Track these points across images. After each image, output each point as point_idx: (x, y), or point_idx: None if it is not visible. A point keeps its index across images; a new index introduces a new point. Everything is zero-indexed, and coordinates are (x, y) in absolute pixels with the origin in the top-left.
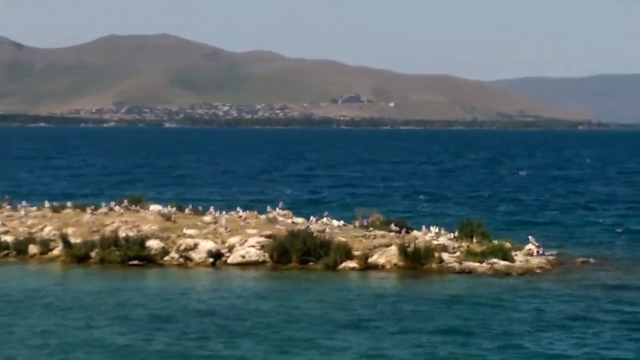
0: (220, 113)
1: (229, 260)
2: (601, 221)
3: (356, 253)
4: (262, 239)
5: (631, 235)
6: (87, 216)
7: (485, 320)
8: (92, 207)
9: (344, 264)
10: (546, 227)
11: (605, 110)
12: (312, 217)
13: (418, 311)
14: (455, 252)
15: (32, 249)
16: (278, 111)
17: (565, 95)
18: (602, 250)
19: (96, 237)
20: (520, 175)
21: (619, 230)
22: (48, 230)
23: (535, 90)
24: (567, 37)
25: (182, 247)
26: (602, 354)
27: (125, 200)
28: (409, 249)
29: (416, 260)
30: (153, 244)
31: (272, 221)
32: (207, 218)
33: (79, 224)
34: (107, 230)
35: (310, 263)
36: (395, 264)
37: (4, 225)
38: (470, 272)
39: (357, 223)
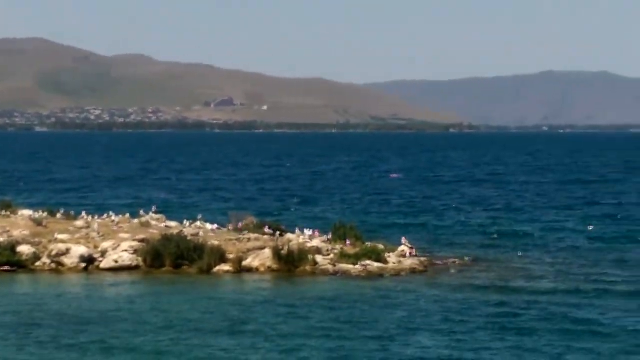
0: (92, 117)
1: (102, 265)
2: (472, 222)
3: (230, 256)
4: (135, 244)
5: (502, 237)
6: None
7: (358, 322)
8: None
9: (218, 268)
10: (419, 229)
11: (477, 113)
12: (185, 221)
13: (292, 313)
14: (329, 255)
15: None
16: (151, 115)
17: (438, 98)
18: (474, 251)
19: None
20: (391, 178)
21: (492, 232)
22: None
23: (408, 94)
24: (437, 40)
25: (53, 253)
26: (470, 356)
27: None
28: (282, 251)
29: (290, 263)
30: (24, 249)
31: (145, 225)
32: (79, 223)
33: None
34: None
35: (184, 267)
36: (269, 267)
37: None
38: (344, 274)
39: (230, 226)
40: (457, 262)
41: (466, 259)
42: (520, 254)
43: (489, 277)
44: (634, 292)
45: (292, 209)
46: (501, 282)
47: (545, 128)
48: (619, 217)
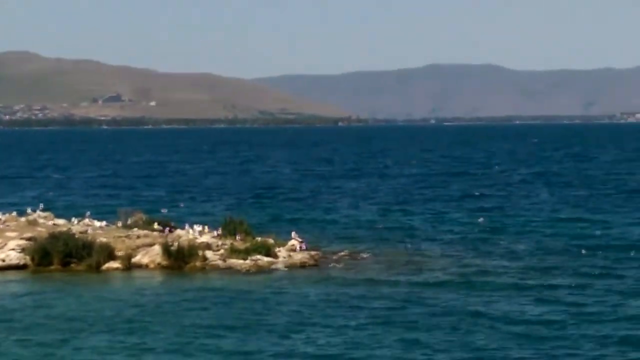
0: None
1: None
2: (362, 216)
3: (119, 253)
4: (22, 242)
5: (392, 230)
6: None
7: (249, 317)
8: None
9: (107, 265)
10: (308, 223)
11: (365, 107)
12: (73, 219)
13: (182, 310)
14: (219, 250)
15: None
16: (37, 112)
17: (326, 92)
18: (364, 244)
19: None
20: (282, 173)
21: (381, 225)
22: None
23: (296, 88)
24: (324, 34)
25: None
26: (359, 351)
27: None
28: (172, 248)
29: (180, 259)
30: None
31: (33, 223)
32: None
33: None
34: None
35: (73, 265)
36: (159, 264)
37: None
38: (234, 269)
39: (119, 223)
40: (347, 256)
41: (358, 253)
42: (409, 246)
43: (379, 270)
44: (521, 283)
45: (182, 205)
46: (390, 275)
47: (432, 120)
48: (506, 208)
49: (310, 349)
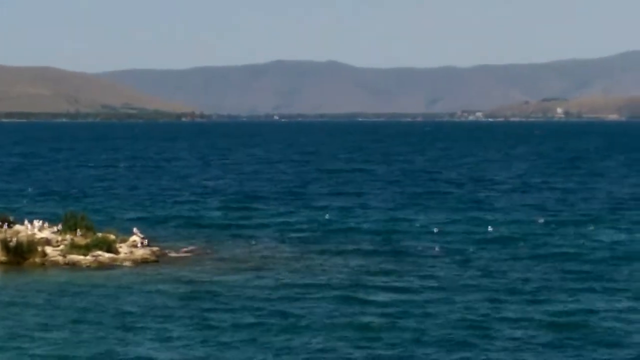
0: None
1: None
2: (205, 212)
3: None
4: None
5: (239, 227)
6: None
7: (84, 315)
8: None
9: None
10: (151, 219)
11: (209, 103)
12: None
13: (17, 308)
14: (59, 246)
15: None
16: None
17: (170, 87)
18: (208, 240)
19: None
20: (121, 167)
21: (226, 220)
22: None
23: (140, 83)
24: (168, 28)
25: None
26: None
27: None
28: (10, 243)
29: (19, 255)
30: None
31: None
32: None
33: None
34: None
35: None
36: None
37: None
38: (74, 265)
39: None
40: (189, 252)
41: (203, 249)
42: (254, 242)
43: (217, 268)
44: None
45: (24, 201)
46: (226, 273)
47: (276, 117)
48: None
49: (141, 352)
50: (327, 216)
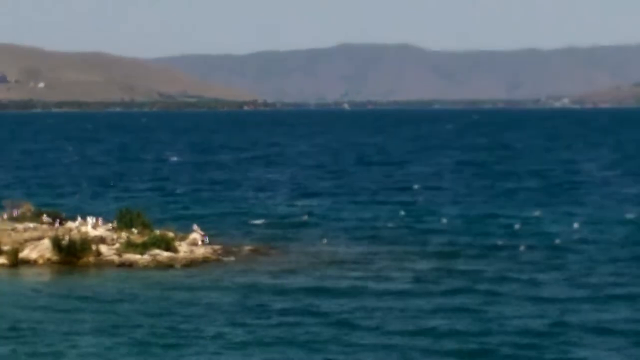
0: None
1: None
2: (271, 208)
3: (5, 248)
4: None
5: (307, 224)
6: None
7: (145, 319)
8: None
9: None
10: (212, 216)
11: (272, 89)
12: None
13: (73, 310)
14: (114, 244)
15: None
16: None
17: (230, 73)
18: (272, 238)
19: None
20: (171, 162)
21: (295, 218)
22: None
23: (198, 69)
24: (225, 11)
25: None
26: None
27: None
28: (63, 241)
29: (72, 254)
30: None
31: None
32: None
33: None
34: None
35: None
36: (48, 259)
37: None
38: (131, 265)
39: (5, 215)
40: (253, 250)
41: (266, 248)
42: (325, 241)
43: (280, 268)
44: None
45: (76, 196)
46: (291, 274)
47: (346, 105)
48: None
49: (220, 349)
50: (402, 212)
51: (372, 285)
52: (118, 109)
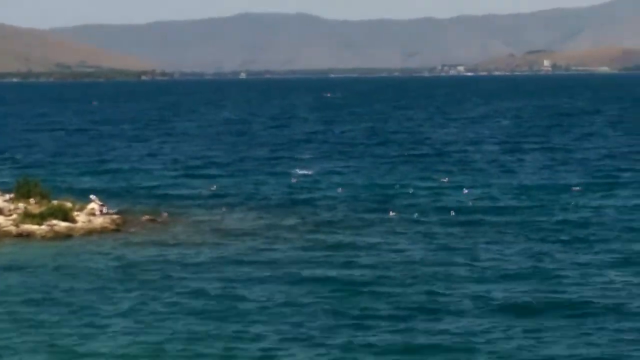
0: None
1: None
2: (168, 176)
3: None
4: None
5: (214, 193)
6: None
7: (43, 290)
8: None
9: None
10: (111, 184)
11: (172, 59)
12: None
13: None
14: (11, 215)
15: None
16: None
17: (129, 43)
18: (174, 206)
19: None
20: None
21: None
22: None
23: (96, 39)
24: None
25: None
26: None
27: None
28: None
29: None
30: None
31: None
32: None
33: None
34: None
35: None
36: None
37: None
38: (28, 235)
39: None
40: (151, 219)
41: (164, 214)
42: (224, 209)
43: (177, 238)
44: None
45: None
46: (189, 240)
47: (243, 74)
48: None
49: (105, 322)
50: (295, 181)
51: (255, 256)
52: (15, 80)
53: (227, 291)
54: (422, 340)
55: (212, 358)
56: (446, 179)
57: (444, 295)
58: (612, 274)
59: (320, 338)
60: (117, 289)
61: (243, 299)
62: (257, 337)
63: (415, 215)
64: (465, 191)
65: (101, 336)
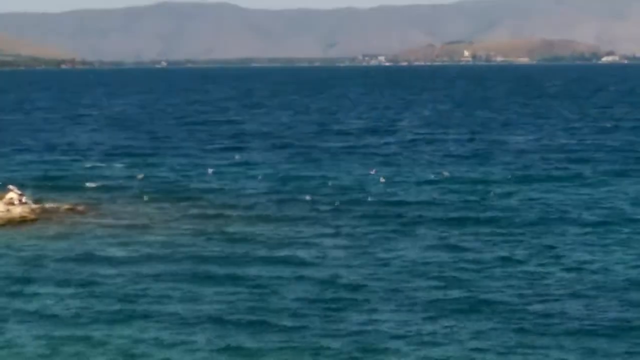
0: None
1: None
2: (91, 164)
3: None
4: None
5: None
6: None
7: None
8: None
9: None
10: (32, 173)
11: (88, 48)
12: None
13: None
14: None
15: None
16: None
17: (46, 32)
18: (93, 197)
19: None
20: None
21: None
22: None
23: (12, 28)
24: None
25: None
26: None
27: None
28: None
29: None
30: None
31: None
32: None
33: None
34: None
35: None
36: None
37: None
38: None
39: None
40: (71, 209)
41: (81, 206)
42: (146, 198)
43: (95, 227)
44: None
45: None
46: (114, 231)
47: (164, 63)
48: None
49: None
50: (211, 171)
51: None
52: None
53: (130, 289)
54: (319, 341)
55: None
56: (370, 170)
57: (354, 289)
58: (529, 267)
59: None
60: (22, 283)
61: (144, 296)
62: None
63: (328, 207)
64: (382, 180)
65: None
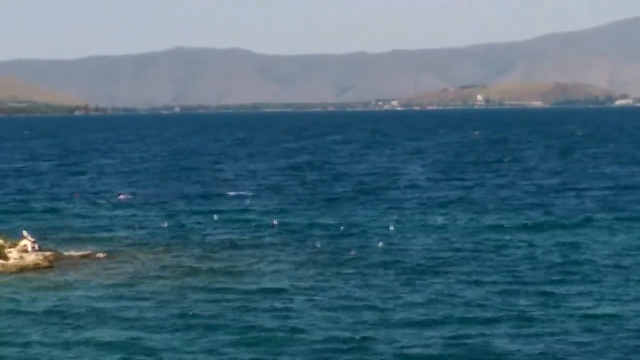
0: None
1: None
2: (104, 214)
3: None
4: None
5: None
6: None
7: None
8: None
9: None
10: (43, 221)
11: (101, 94)
12: None
13: None
14: None
15: None
16: None
17: (59, 78)
18: (108, 244)
19: None
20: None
21: (126, 223)
22: None
23: (26, 74)
24: (56, 16)
25: None
26: None
27: None
28: None
29: None
30: None
31: None
32: None
33: None
34: None
35: None
36: None
37: None
38: None
39: None
40: (85, 255)
41: (100, 254)
42: (160, 248)
43: (118, 274)
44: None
45: None
46: (129, 280)
47: (177, 109)
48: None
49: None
50: (216, 217)
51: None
52: None
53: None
54: None
55: None
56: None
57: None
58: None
59: None
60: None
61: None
62: None
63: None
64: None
65: None
